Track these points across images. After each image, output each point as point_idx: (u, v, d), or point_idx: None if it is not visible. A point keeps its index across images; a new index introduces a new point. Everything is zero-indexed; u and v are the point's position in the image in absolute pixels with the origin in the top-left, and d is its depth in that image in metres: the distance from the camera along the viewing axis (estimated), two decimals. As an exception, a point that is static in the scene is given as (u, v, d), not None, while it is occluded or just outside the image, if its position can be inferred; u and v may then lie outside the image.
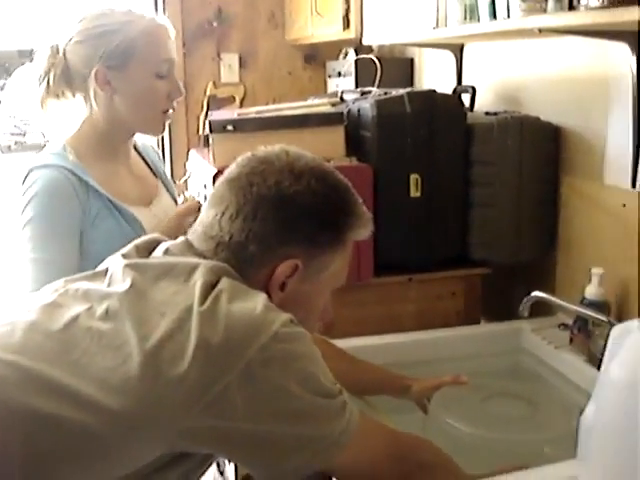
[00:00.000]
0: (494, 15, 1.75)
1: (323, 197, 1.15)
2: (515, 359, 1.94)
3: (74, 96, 1.73)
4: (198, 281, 1.05)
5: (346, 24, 2.71)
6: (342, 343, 1.69)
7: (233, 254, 1.13)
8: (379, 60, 2.13)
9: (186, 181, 2.26)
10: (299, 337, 1.04)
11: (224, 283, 1.06)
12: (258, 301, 1.04)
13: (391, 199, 1.90)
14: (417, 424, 1.62)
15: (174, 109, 1.75)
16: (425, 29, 2.07)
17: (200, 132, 3.37)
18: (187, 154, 2.58)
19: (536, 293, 1.75)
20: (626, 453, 0.87)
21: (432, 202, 1.94)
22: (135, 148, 1.88)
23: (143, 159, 1.90)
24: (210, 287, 1.05)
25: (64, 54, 1.69)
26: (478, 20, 1.81)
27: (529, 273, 2.12)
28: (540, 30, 1.54)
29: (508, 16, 1.68)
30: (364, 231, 1.22)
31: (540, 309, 1.86)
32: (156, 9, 3.28)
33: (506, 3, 1.69)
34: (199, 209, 1.69)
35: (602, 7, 1.32)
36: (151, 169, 1.90)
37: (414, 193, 1.92)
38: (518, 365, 1.94)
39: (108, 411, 0.95)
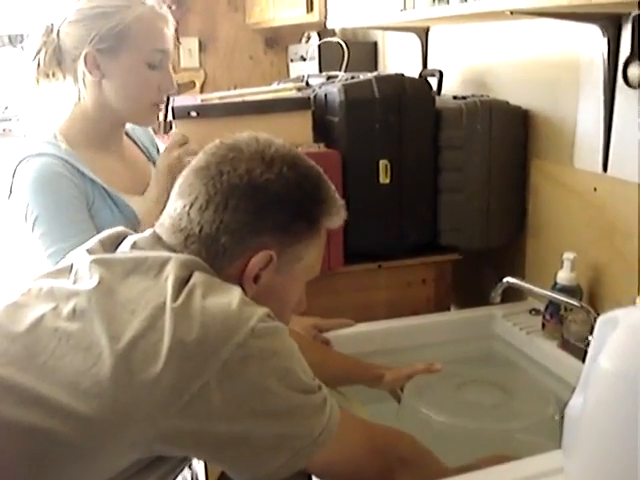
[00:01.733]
0: (464, -3, 1.72)
1: (296, 185, 1.11)
2: (487, 345, 1.93)
3: (64, 78, 1.68)
4: (170, 276, 1.01)
5: (310, 7, 2.67)
6: (312, 333, 1.67)
7: (204, 246, 1.08)
8: (346, 44, 2.09)
9: None
10: (277, 332, 1.00)
11: (197, 277, 1.02)
12: (233, 295, 1.00)
13: (360, 185, 1.87)
14: (391, 414, 1.60)
15: (164, 102, 1.71)
16: (392, 12, 2.04)
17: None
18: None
19: (508, 279, 1.74)
20: (622, 446, 0.85)
21: (401, 188, 1.91)
22: (126, 134, 1.83)
23: (135, 144, 1.85)
24: (183, 282, 1.01)
25: (57, 33, 1.64)
26: (447, 2, 1.78)
27: (499, 258, 2.11)
28: (512, 12, 1.51)
29: (480, -3, 1.65)
30: (337, 219, 1.19)
31: (511, 295, 1.85)
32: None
33: (477, -16, 1.66)
34: (188, 141, 1.68)
35: (577, -12, 1.29)
36: (144, 153, 1.86)
37: (383, 179, 1.89)
38: (490, 351, 1.92)
39: (80, 417, 0.91)
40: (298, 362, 1.02)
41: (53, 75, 1.67)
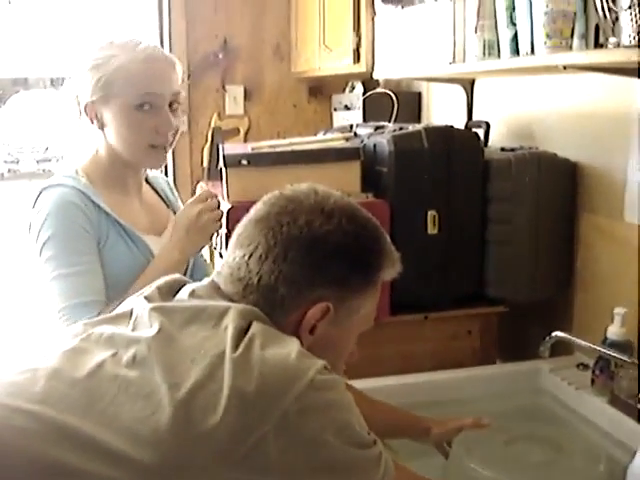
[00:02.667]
0: (516, 51, 1.73)
1: (354, 237, 1.11)
2: (534, 400, 1.90)
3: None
4: (229, 326, 1.01)
5: (356, 58, 2.69)
6: (358, 384, 1.65)
7: (262, 297, 1.08)
8: (395, 95, 2.11)
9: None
10: (334, 385, 1.00)
11: (256, 328, 1.02)
12: (292, 347, 1.00)
13: (408, 236, 1.87)
14: (437, 468, 1.57)
15: (168, 142, 1.71)
16: (441, 64, 2.05)
17: (204, 164, 3.36)
18: (192, 186, 2.56)
19: (557, 333, 1.72)
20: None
21: (449, 239, 1.91)
22: (147, 180, 1.86)
23: (155, 190, 1.88)
24: (242, 332, 1.01)
25: (73, 88, 1.70)
26: (498, 56, 1.79)
27: (546, 312, 2.08)
28: (565, 67, 1.51)
29: (532, 52, 1.66)
30: (393, 271, 1.18)
31: (558, 349, 1.82)
32: (162, 40, 3.28)
33: (530, 39, 1.67)
34: (211, 198, 1.69)
35: (635, 45, 1.29)
36: (163, 200, 1.88)
37: (431, 230, 1.89)
38: (538, 406, 1.89)
39: (138, 465, 0.90)
40: (355, 416, 1.01)
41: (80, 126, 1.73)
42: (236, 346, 0.98)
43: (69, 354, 1.04)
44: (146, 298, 1.13)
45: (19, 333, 5.39)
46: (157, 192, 1.88)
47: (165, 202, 1.88)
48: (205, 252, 1.93)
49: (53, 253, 1.60)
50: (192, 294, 1.13)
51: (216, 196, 1.73)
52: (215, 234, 1.74)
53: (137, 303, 1.12)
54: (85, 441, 0.92)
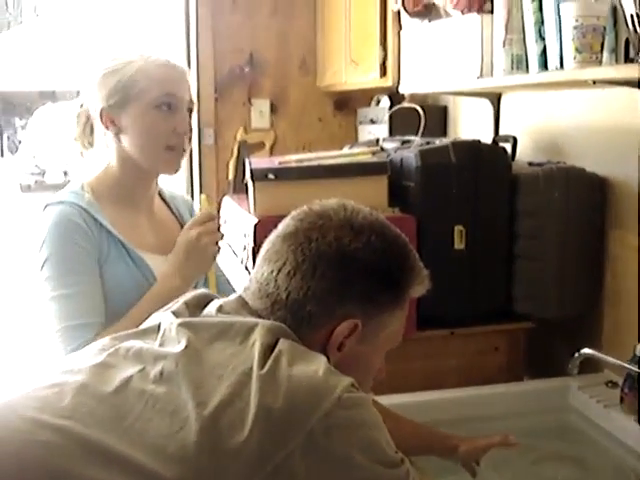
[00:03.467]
0: (545, 65, 1.72)
1: (383, 254, 1.11)
2: (562, 418, 1.87)
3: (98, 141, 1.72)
4: (257, 343, 1.00)
5: (383, 72, 2.69)
6: (383, 400, 1.64)
7: (290, 313, 1.08)
8: (422, 109, 2.10)
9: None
10: (362, 403, 0.99)
11: (283, 345, 1.01)
12: (319, 364, 0.99)
13: (434, 251, 1.86)
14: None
15: (184, 145, 1.69)
16: (468, 78, 2.04)
17: (230, 177, 3.36)
18: (218, 200, 2.55)
19: (586, 350, 1.70)
20: None
21: (476, 254, 1.90)
22: (162, 197, 1.83)
23: (170, 210, 1.84)
24: (269, 349, 1.00)
25: (85, 101, 1.70)
26: (526, 70, 1.78)
27: (574, 328, 2.06)
28: (595, 82, 1.50)
29: (561, 66, 1.64)
30: (422, 288, 1.18)
31: (585, 366, 1.80)
32: (189, 54, 3.30)
33: (559, 54, 1.66)
34: (210, 220, 1.65)
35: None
36: (178, 220, 1.84)
37: (458, 245, 1.87)
38: (566, 425, 1.87)
39: None
40: (383, 434, 1.00)
41: (90, 144, 1.73)
42: (263, 363, 0.97)
43: (97, 369, 1.04)
44: (173, 313, 1.13)
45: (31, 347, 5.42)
46: (172, 212, 1.84)
47: (178, 220, 1.83)
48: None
49: (51, 273, 1.59)
50: (220, 309, 1.12)
51: (215, 218, 1.69)
52: (215, 257, 1.69)
53: (164, 318, 1.12)
54: (111, 456, 0.92)
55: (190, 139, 1.70)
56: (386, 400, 1.65)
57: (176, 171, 1.75)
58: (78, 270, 1.59)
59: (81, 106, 1.71)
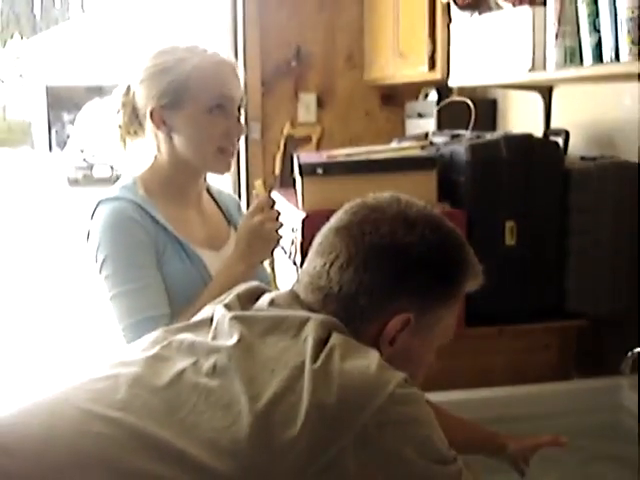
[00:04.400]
0: (599, 58, 1.69)
1: (438, 248, 1.09)
2: (613, 418, 1.84)
3: (145, 134, 1.71)
4: (309, 337, 1.00)
5: (432, 65, 2.66)
6: (431, 397, 1.61)
7: (342, 307, 1.07)
8: (473, 102, 2.08)
9: None
10: (415, 398, 0.98)
11: (335, 339, 1.01)
12: (372, 359, 0.98)
13: (485, 247, 1.80)
14: (512, 486, 1.53)
15: (235, 147, 1.69)
16: (519, 71, 2.01)
17: (276, 172, 3.36)
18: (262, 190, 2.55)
19: (639, 349, 1.66)
20: None
21: (527, 250, 1.88)
22: (209, 192, 1.83)
23: (217, 205, 1.84)
24: (321, 343, 0.99)
25: (133, 94, 1.69)
26: (580, 63, 1.75)
27: (626, 326, 2.02)
28: (651, 74, 1.47)
29: (616, 58, 1.61)
30: (476, 283, 1.17)
31: (637, 365, 1.76)
32: (236, 48, 3.30)
33: (614, 46, 1.62)
34: (270, 207, 1.65)
35: None
36: (225, 216, 1.84)
37: (509, 241, 1.85)
38: (617, 425, 1.83)
39: (216, 474, 0.90)
40: (435, 431, 0.99)
41: (135, 133, 1.71)
42: (316, 357, 0.97)
43: (150, 361, 1.04)
44: (226, 306, 1.13)
45: (77, 336, 5.54)
46: (219, 207, 1.84)
47: (227, 218, 1.83)
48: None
49: (112, 270, 1.58)
50: (271, 303, 1.12)
51: (275, 203, 1.68)
52: (278, 244, 1.69)
53: (217, 311, 1.12)
54: (164, 449, 0.92)
55: (240, 139, 1.70)
56: (434, 397, 1.62)
57: (227, 171, 1.76)
58: (141, 264, 1.59)
59: (127, 95, 1.69)
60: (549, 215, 1.89)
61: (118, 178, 1.74)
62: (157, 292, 1.59)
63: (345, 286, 1.07)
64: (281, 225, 1.67)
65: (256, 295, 1.17)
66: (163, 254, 1.63)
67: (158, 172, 1.71)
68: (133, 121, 1.70)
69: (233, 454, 0.90)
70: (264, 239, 1.64)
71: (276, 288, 1.74)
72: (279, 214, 1.67)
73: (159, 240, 1.63)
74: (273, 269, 1.80)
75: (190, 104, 1.62)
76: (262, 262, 1.73)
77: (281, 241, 1.69)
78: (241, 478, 0.90)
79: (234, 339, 1.02)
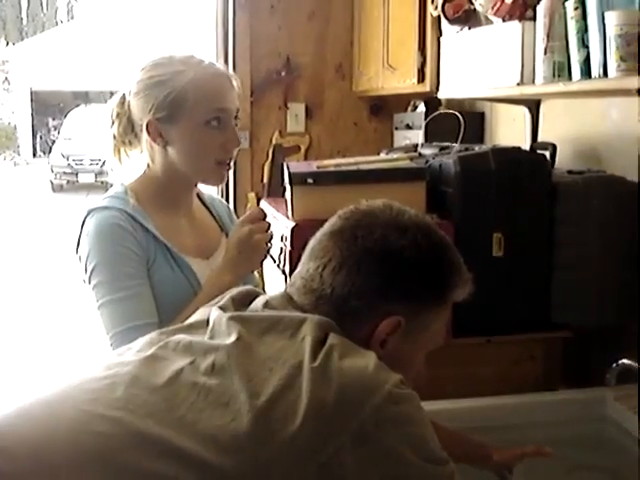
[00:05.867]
0: (587, 73, 1.71)
1: (429, 253, 1.12)
2: (598, 428, 1.85)
3: (140, 144, 1.72)
4: (307, 337, 1.02)
5: (421, 77, 2.69)
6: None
7: (334, 308, 1.10)
8: (462, 115, 2.10)
9: None
10: (411, 399, 1.00)
11: (333, 339, 1.03)
12: (369, 359, 1.01)
13: (472, 258, 1.82)
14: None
15: (232, 159, 1.70)
16: (508, 85, 2.03)
17: (265, 181, 3.37)
18: (255, 203, 2.57)
19: (624, 361, 1.68)
20: None
21: (514, 262, 1.89)
22: (200, 199, 1.84)
23: (209, 211, 1.85)
24: (320, 343, 1.02)
25: (128, 105, 1.69)
26: (569, 78, 1.77)
27: (612, 338, 2.04)
28: (639, 91, 1.49)
29: (604, 74, 1.63)
30: (464, 291, 1.20)
31: (623, 376, 1.78)
32: (226, 57, 3.31)
33: (602, 61, 1.65)
34: (261, 219, 1.67)
35: None
36: (218, 223, 1.85)
37: (496, 252, 1.87)
38: (601, 435, 1.85)
39: (216, 471, 0.91)
40: (430, 431, 1.02)
41: (130, 143, 1.72)
42: (315, 357, 0.99)
43: (147, 361, 1.06)
44: (221, 308, 1.14)
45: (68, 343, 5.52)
46: (212, 214, 1.85)
47: (220, 225, 1.84)
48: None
49: (101, 279, 1.59)
50: (266, 305, 1.14)
51: (266, 216, 1.70)
52: (267, 255, 1.71)
53: (213, 312, 1.14)
54: (164, 446, 0.93)
55: (237, 150, 1.71)
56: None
57: (222, 183, 1.77)
58: (130, 273, 1.60)
59: (122, 105, 1.70)
60: (536, 227, 1.90)
61: (103, 184, 1.74)
62: (146, 301, 1.60)
63: (337, 288, 1.09)
64: (271, 237, 1.68)
65: (250, 298, 1.19)
66: (153, 263, 1.64)
67: (150, 181, 1.71)
68: (128, 132, 1.71)
69: (233, 450, 0.92)
70: (253, 249, 1.65)
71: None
72: (269, 226, 1.68)
73: (149, 249, 1.64)
74: (262, 278, 1.81)
75: (187, 117, 1.63)
76: (252, 272, 1.74)
77: (270, 252, 1.71)
78: (241, 474, 0.91)
79: (232, 338, 1.04)
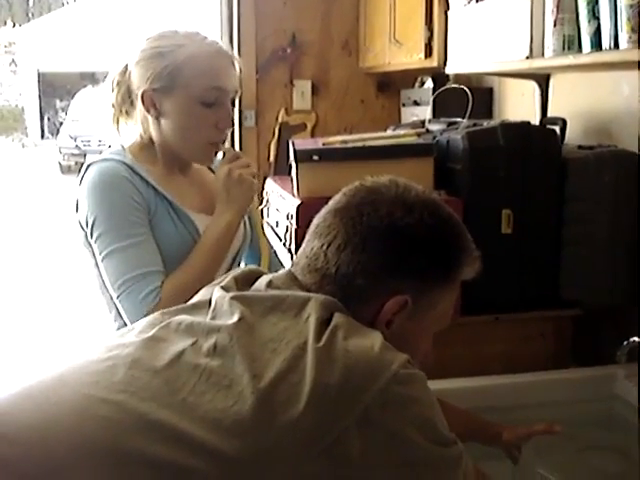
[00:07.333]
0: (598, 46, 1.67)
1: (436, 231, 1.10)
2: (608, 407, 1.84)
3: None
4: (311, 317, 1.00)
5: (428, 52, 2.65)
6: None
7: (339, 287, 1.07)
8: (470, 90, 2.07)
9: (262, 210, 2.21)
10: (417, 379, 0.98)
11: (338, 319, 1.01)
12: (375, 339, 0.99)
13: (481, 235, 1.80)
14: (505, 473, 1.53)
15: (223, 138, 1.70)
16: (517, 59, 2.00)
17: (271, 159, 3.35)
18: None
19: (635, 339, 1.67)
20: None
21: (524, 239, 1.87)
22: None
23: (213, 172, 1.84)
24: (324, 323, 1.00)
25: (129, 74, 1.68)
26: (579, 50, 1.73)
27: (623, 316, 2.02)
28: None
29: (615, 47, 1.60)
30: (472, 270, 1.17)
31: (634, 354, 1.76)
32: (231, 35, 3.28)
33: (613, 33, 1.61)
34: (238, 157, 1.70)
35: None
36: None
37: (505, 229, 1.84)
38: (612, 414, 1.83)
39: (218, 454, 0.89)
40: (437, 413, 1.00)
41: (127, 113, 1.72)
42: (319, 337, 0.97)
43: (148, 343, 1.04)
44: (223, 288, 1.12)
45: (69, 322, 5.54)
46: (213, 172, 1.84)
47: None
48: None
49: (106, 228, 1.58)
50: (269, 284, 1.12)
51: (242, 156, 1.73)
52: (254, 189, 1.72)
53: (215, 292, 1.12)
54: (165, 430, 0.91)
55: (228, 131, 1.71)
56: (430, 385, 1.64)
57: (211, 164, 1.77)
58: (134, 221, 1.59)
59: (124, 74, 1.69)
60: (546, 204, 1.88)
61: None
62: (152, 249, 1.59)
63: (342, 267, 1.07)
64: (253, 173, 1.70)
65: (253, 278, 1.17)
66: (154, 215, 1.63)
67: (145, 146, 1.71)
68: (125, 101, 1.70)
69: (236, 434, 0.90)
70: (239, 184, 1.66)
71: (267, 258, 1.77)
72: (248, 163, 1.71)
73: (151, 200, 1.63)
74: (263, 232, 1.82)
75: (182, 91, 1.62)
76: (247, 208, 1.73)
77: (256, 187, 1.72)
78: (245, 458, 0.90)
79: (235, 318, 1.02)
